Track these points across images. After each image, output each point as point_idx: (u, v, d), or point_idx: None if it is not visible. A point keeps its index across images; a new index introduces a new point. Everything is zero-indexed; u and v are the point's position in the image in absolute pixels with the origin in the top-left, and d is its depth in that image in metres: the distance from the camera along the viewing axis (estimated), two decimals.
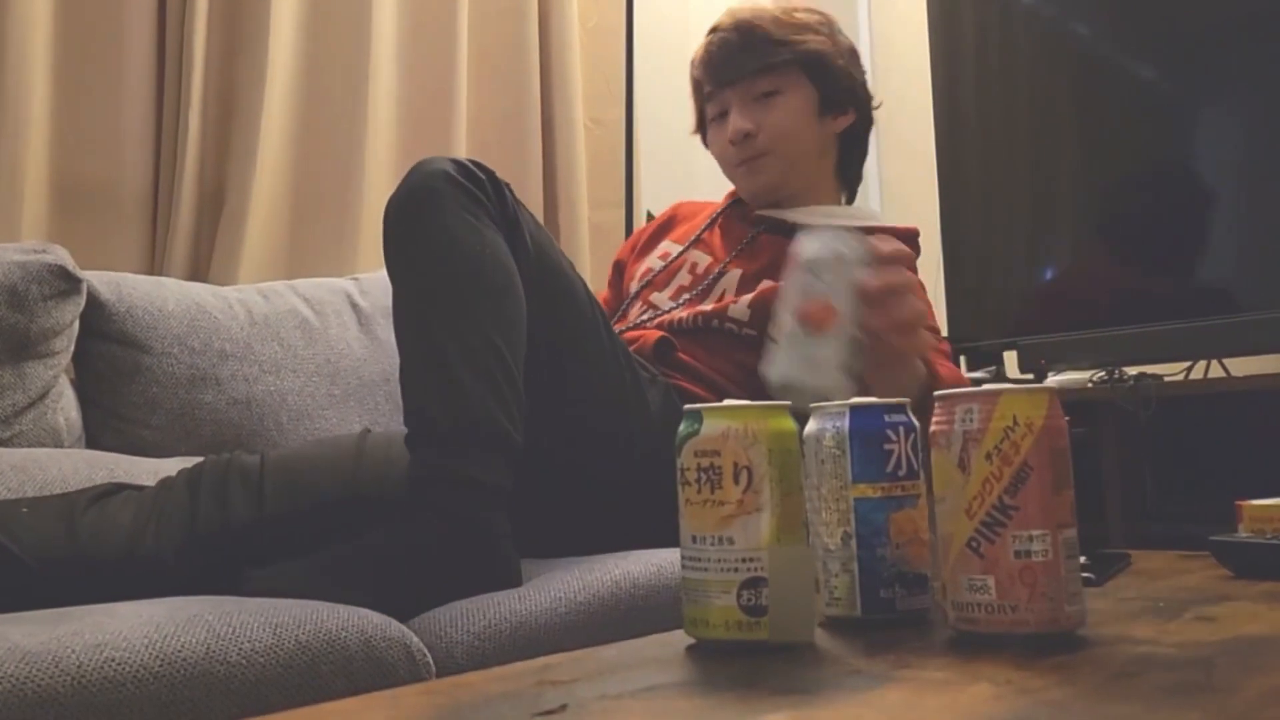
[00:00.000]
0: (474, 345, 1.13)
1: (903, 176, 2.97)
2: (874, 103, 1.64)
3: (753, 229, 1.58)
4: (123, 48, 1.93)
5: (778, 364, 0.94)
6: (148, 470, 1.42)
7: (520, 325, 1.18)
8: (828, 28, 1.59)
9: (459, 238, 1.15)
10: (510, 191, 1.23)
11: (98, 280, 1.60)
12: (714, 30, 1.60)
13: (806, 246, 0.95)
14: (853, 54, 1.62)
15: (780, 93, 1.54)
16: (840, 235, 0.95)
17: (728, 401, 0.70)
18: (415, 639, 0.98)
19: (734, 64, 1.55)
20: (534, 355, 1.20)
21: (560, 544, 1.27)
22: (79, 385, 1.61)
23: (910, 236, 1.57)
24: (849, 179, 1.65)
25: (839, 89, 1.57)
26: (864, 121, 1.62)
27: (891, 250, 0.98)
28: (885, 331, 0.97)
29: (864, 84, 1.62)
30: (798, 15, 1.58)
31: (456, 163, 1.19)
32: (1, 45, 1.76)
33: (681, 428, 0.69)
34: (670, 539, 1.06)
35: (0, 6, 1.76)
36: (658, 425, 1.32)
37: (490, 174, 1.21)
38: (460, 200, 1.16)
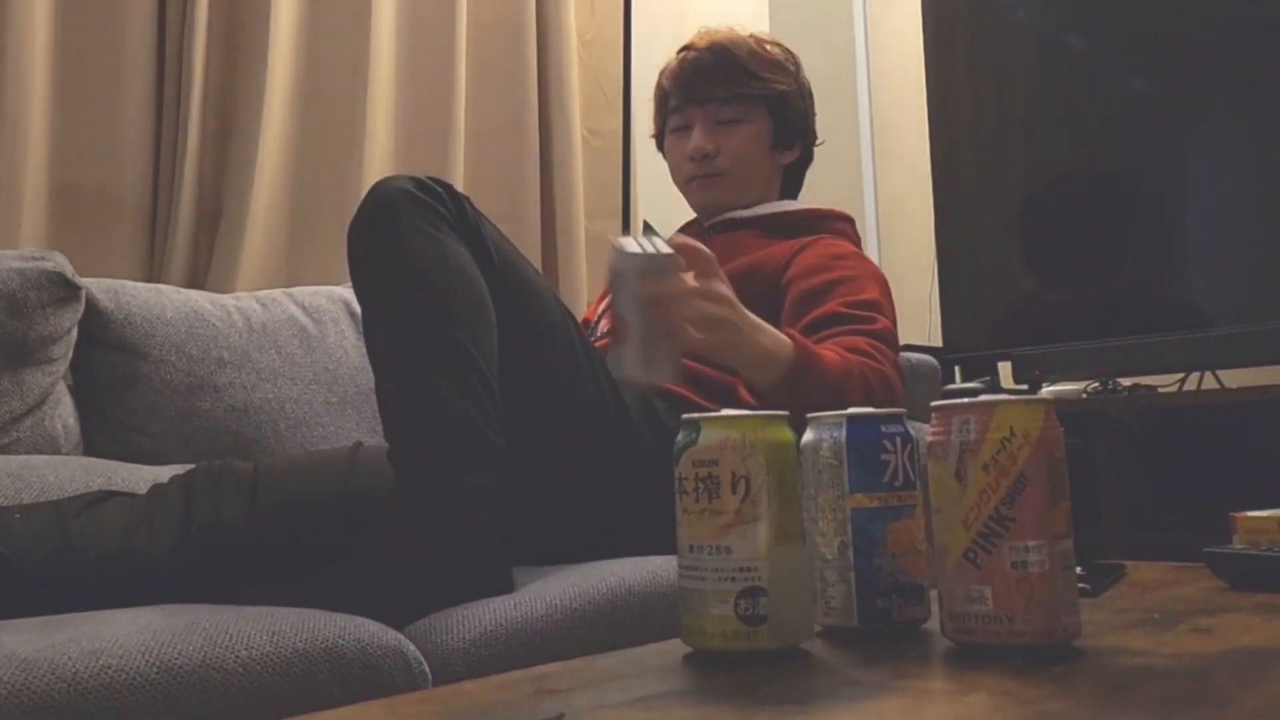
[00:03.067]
0: (447, 353, 1.14)
1: (898, 189, 2.98)
2: (817, 140, 1.74)
3: (705, 235, 1.64)
4: (122, 57, 1.93)
5: (611, 363, 1.16)
6: (145, 478, 1.42)
7: (491, 332, 1.19)
8: (794, 67, 1.69)
9: (422, 251, 1.16)
10: (470, 204, 1.24)
11: (96, 288, 1.60)
12: (689, 48, 1.67)
13: (610, 261, 1.12)
14: (810, 95, 1.72)
15: (742, 121, 1.64)
16: (624, 254, 1.10)
17: (725, 411, 0.70)
18: (411, 646, 0.99)
19: (706, 86, 1.63)
20: (508, 364, 1.21)
21: (551, 549, 1.28)
22: (77, 392, 1.61)
23: (850, 220, 1.66)
24: (788, 184, 1.75)
25: (793, 127, 1.68)
26: (806, 157, 1.74)
27: (680, 249, 1.11)
28: (665, 329, 1.11)
29: (813, 123, 1.73)
30: (770, 51, 1.67)
31: (414, 179, 1.21)
32: (0, 53, 1.76)
33: (679, 437, 0.69)
34: (657, 539, 1.07)
35: None
36: (637, 425, 1.33)
37: (448, 187, 1.22)
38: (421, 215, 1.18)
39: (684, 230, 1.74)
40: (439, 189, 1.21)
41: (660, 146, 1.75)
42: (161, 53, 2.00)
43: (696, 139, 1.63)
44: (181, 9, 1.98)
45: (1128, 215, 2.13)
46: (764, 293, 1.48)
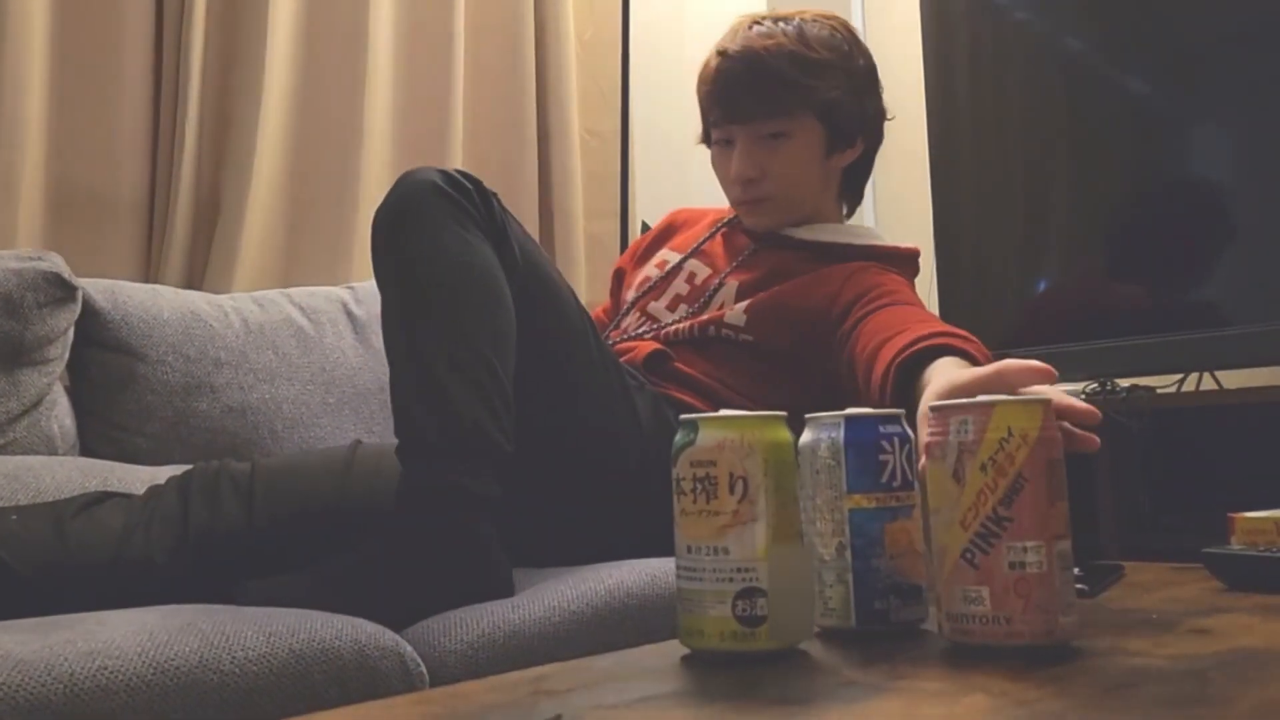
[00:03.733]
0: (463, 357, 1.13)
1: (897, 188, 2.98)
2: (888, 116, 1.60)
3: (754, 243, 1.56)
4: (120, 56, 1.93)
5: None
6: (142, 478, 1.42)
7: (510, 336, 1.18)
8: (848, 53, 1.52)
9: (447, 248, 1.15)
10: (498, 201, 1.22)
11: (93, 288, 1.59)
12: (724, 53, 1.49)
13: None
14: (869, 76, 1.55)
15: (788, 135, 1.49)
16: None
17: (723, 411, 0.70)
18: (409, 648, 0.98)
19: (743, 104, 1.49)
20: (523, 364, 1.20)
21: (553, 553, 1.27)
22: (74, 393, 1.60)
23: (910, 257, 1.58)
24: (850, 200, 1.65)
25: (849, 127, 1.53)
26: (872, 148, 1.60)
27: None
28: None
29: (877, 108, 1.57)
30: (816, 52, 1.48)
31: (444, 173, 1.19)
32: None
33: (678, 438, 0.69)
34: (663, 546, 1.07)
35: None
36: (647, 433, 1.32)
37: (477, 184, 1.20)
38: (448, 211, 1.16)
39: (731, 223, 1.62)
40: (468, 185, 1.19)
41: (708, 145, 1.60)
42: (159, 52, 2.00)
43: (738, 164, 1.50)
44: (179, 8, 1.98)
45: (1127, 215, 2.13)
46: (811, 314, 1.41)
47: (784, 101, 1.47)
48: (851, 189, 1.63)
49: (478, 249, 1.17)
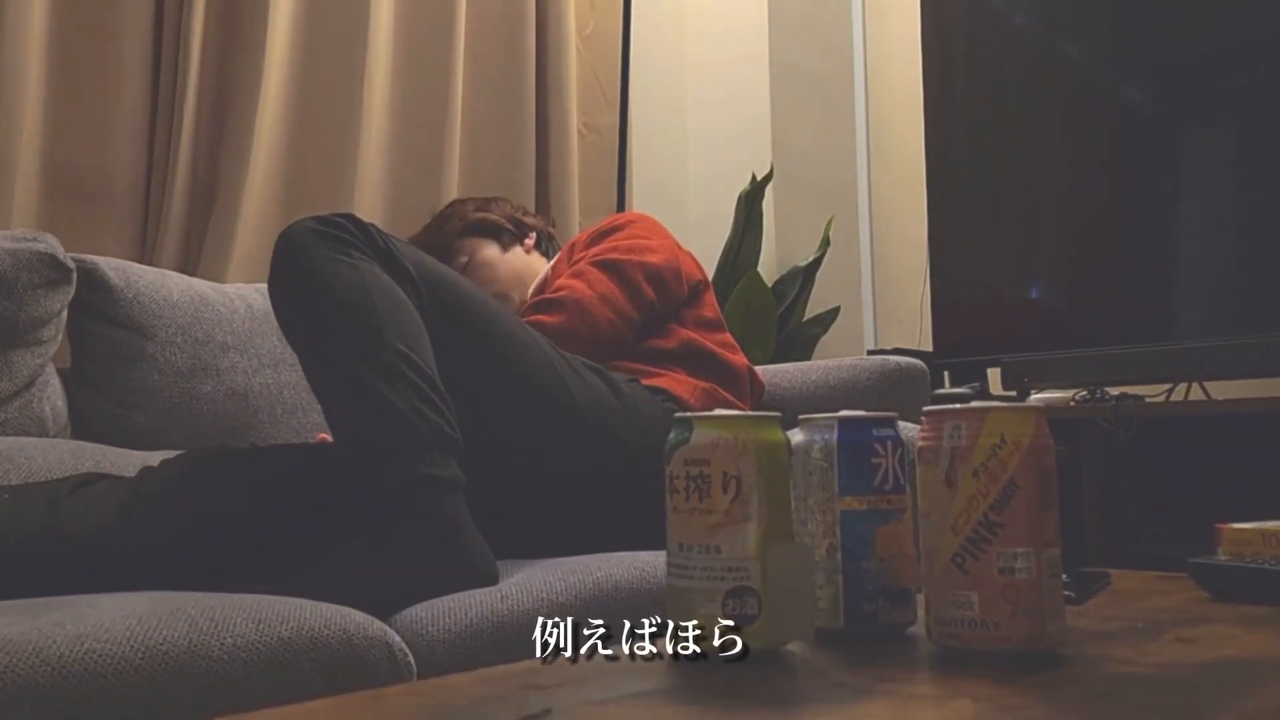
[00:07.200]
0: (382, 359, 1.17)
1: (892, 193, 2.99)
2: (546, 222, 1.96)
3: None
4: (119, 39, 1.93)
5: None
6: (134, 462, 1.42)
7: (422, 334, 1.23)
8: (473, 203, 1.90)
9: (337, 276, 1.20)
10: (377, 230, 1.28)
11: (106, 265, 1.61)
12: None
13: None
14: (504, 206, 1.91)
15: (470, 259, 1.81)
16: None
17: (718, 411, 0.70)
18: (396, 638, 0.99)
19: None
20: (459, 370, 1.25)
21: (537, 542, 1.29)
22: (76, 369, 1.61)
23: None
24: (548, 253, 1.92)
25: (507, 230, 1.85)
26: (544, 229, 1.93)
27: None
28: None
29: (526, 218, 1.91)
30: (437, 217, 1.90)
31: (316, 218, 1.25)
32: None
33: (671, 436, 0.69)
34: (640, 526, 1.08)
35: None
36: (599, 397, 1.37)
37: (351, 217, 1.26)
38: (328, 245, 1.22)
39: None
40: (342, 220, 1.25)
41: None
42: (158, 34, 1.99)
43: None
44: None
45: (1120, 224, 2.14)
46: None
47: (445, 246, 1.80)
48: (546, 250, 1.91)
49: (366, 269, 1.22)
